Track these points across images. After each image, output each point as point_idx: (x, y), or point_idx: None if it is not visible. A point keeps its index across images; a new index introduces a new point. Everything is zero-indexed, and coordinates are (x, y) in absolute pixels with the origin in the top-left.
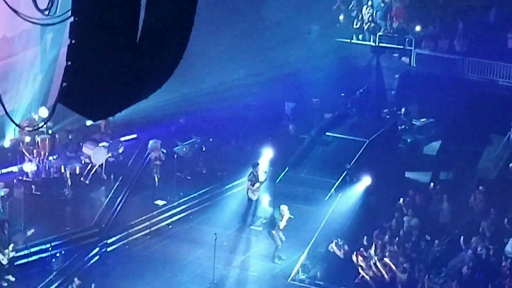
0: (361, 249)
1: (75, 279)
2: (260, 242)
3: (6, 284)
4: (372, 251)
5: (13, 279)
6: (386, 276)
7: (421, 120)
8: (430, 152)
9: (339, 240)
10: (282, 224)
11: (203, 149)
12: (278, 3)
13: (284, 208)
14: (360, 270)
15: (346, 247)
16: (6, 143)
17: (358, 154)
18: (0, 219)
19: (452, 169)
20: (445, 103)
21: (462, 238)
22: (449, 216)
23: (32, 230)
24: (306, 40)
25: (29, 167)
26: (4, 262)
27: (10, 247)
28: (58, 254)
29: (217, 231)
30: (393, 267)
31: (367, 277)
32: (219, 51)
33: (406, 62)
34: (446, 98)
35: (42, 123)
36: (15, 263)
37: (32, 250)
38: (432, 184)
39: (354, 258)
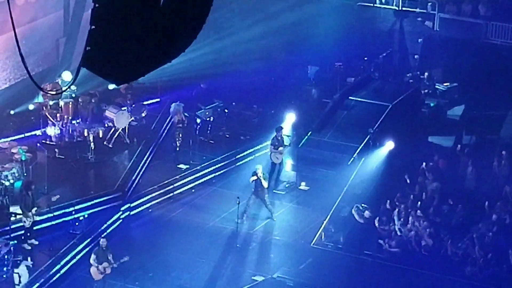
0: (384, 217)
1: (103, 239)
2: (283, 206)
3: (29, 248)
4: (395, 216)
5: (36, 242)
6: (412, 240)
7: (444, 84)
8: (454, 117)
9: (361, 205)
10: (265, 183)
11: (226, 113)
12: None
13: (258, 167)
14: (383, 237)
15: (367, 213)
16: (30, 107)
17: (381, 118)
18: (27, 181)
19: (475, 133)
20: (468, 68)
21: (486, 203)
22: (473, 180)
23: (57, 196)
24: (329, 3)
25: (52, 130)
26: (27, 224)
27: (34, 210)
28: (81, 218)
29: (240, 195)
30: (418, 231)
31: (391, 243)
32: (241, 13)
33: (429, 26)
34: (469, 63)
35: (66, 87)
36: (39, 226)
37: (56, 213)
38: (455, 148)
39: (376, 223)
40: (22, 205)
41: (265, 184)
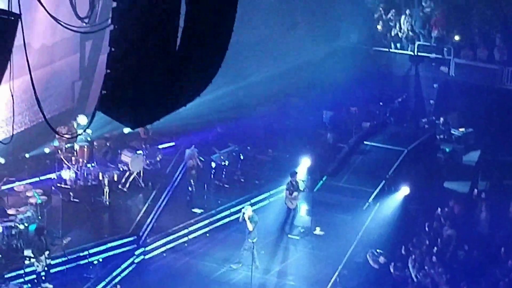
0: (399, 262)
1: (118, 286)
2: (298, 251)
3: None
4: (411, 262)
5: (50, 286)
6: (428, 286)
7: (460, 129)
8: (469, 162)
9: (376, 251)
10: (250, 226)
11: (241, 158)
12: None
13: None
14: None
15: (382, 258)
16: (45, 150)
17: (397, 163)
18: (38, 225)
19: (491, 179)
20: (484, 113)
21: (502, 249)
22: (488, 226)
23: (69, 238)
24: (345, 47)
25: (67, 174)
26: (40, 269)
27: (46, 253)
28: (95, 262)
29: (255, 239)
30: (434, 278)
31: None
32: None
33: (445, 71)
34: (485, 108)
35: (81, 131)
36: (53, 270)
37: (70, 257)
38: (471, 193)
39: (392, 269)
40: (34, 250)
41: (249, 227)
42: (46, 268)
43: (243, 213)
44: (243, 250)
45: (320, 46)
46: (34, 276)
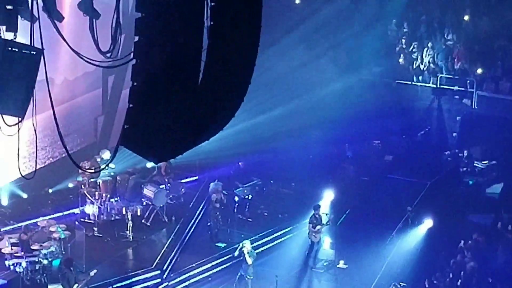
0: None
1: None
2: (321, 285)
3: None
4: None
5: None
6: None
7: (483, 162)
8: (493, 194)
9: (399, 283)
10: (249, 260)
11: (264, 191)
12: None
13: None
14: None
15: None
16: (69, 185)
17: (420, 196)
18: (67, 258)
19: None
20: (507, 145)
21: None
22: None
23: (95, 271)
24: (367, 81)
25: (91, 209)
26: None
27: (75, 286)
28: None
29: (279, 273)
30: None
31: None
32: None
33: (467, 104)
34: (508, 140)
35: (104, 165)
36: None
37: None
38: (494, 226)
39: None
40: (64, 283)
41: (249, 261)
42: None
43: (242, 247)
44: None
45: (342, 79)
46: None
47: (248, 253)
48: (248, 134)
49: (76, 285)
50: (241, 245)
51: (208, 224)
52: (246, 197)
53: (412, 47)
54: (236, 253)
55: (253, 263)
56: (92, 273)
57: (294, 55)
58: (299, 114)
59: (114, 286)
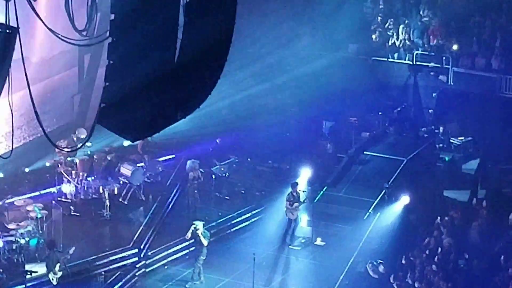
0: (400, 272)
1: None
2: (299, 262)
3: None
4: (411, 272)
5: None
6: None
7: (459, 138)
8: (469, 171)
9: (375, 261)
10: (205, 241)
11: (241, 169)
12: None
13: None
14: None
15: (382, 267)
16: (46, 164)
17: (396, 173)
18: (49, 239)
19: (490, 187)
20: (483, 122)
21: (502, 257)
22: (488, 234)
23: (73, 248)
24: (344, 59)
25: (68, 188)
26: (54, 282)
27: (57, 266)
28: (97, 275)
29: (256, 251)
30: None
31: None
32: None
33: (443, 80)
34: (484, 116)
35: (81, 144)
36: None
37: (71, 271)
38: (470, 202)
39: (391, 279)
40: (49, 263)
41: (204, 242)
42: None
43: (195, 229)
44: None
45: (319, 57)
46: None
47: (202, 234)
48: (225, 112)
49: (58, 264)
50: (192, 227)
51: (187, 202)
52: (224, 175)
53: (388, 24)
54: (188, 235)
55: (208, 244)
56: (71, 251)
57: (272, 35)
58: (276, 92)
59: (91, 265)
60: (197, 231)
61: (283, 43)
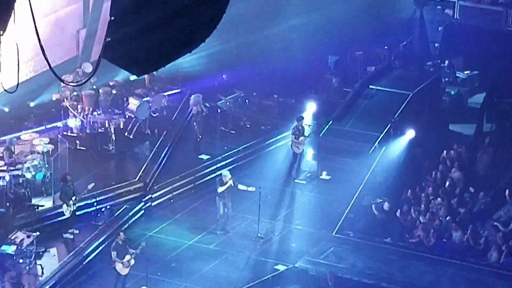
0: (405, 205)
1: (120, 234)
2: (304, 196)
3: (71, 237)
4: (416, 206)
5: (76, 231)
6: (434, 228)
7: (465, 72)
8: (474, 104)
9: (378, 199)
10: (220, 189)
11: (247, 103)
12: None
13: (226, 174)
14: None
15: (387, 204)
16: (52, 98)
17: (402, 107)
18: (62, 174)
19: (496, 121)
20: (489, 56)
21: (507, 190)
22: (494, 168)
23: (93, 184)
24: None
25: (74, 122)
26: (68, 214)
27: (73, 199)
28: (103, 209)
29: (262, 185)
30: (440, 220)
31: (413, 231)
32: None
33: (449, 14)
34: (489, 50)
35: (86, 78)
36: (61, 218)
37: (78, 204)
38: (476, 136)
39: (398, 213)
40: (63, 196)
41: (242, 187)
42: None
43: (224, 179)
44: (220, 212)
45: None
46: (43, 223)
47: (233, 181)
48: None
49: (74, 197)
50: (230, 180)
51: (195, 135)
52: (229, 109)
53: None
54: (224, 189)
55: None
56: (90, 186)
57: None
58: (281, 26)
59: (98, 199)
60: (230, 180)
61: None
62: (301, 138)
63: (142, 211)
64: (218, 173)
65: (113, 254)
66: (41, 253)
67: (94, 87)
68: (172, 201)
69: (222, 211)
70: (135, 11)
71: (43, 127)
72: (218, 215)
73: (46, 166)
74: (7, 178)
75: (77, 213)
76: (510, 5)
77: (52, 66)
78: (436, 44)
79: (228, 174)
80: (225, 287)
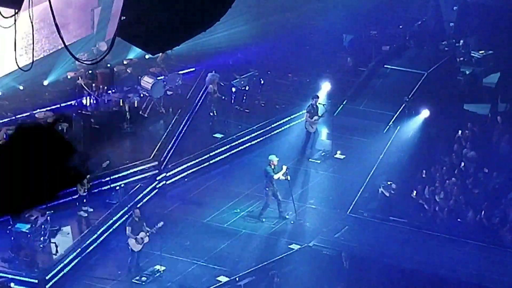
0: (420, 185)
1: (136, 210)
2: (318, 175)
3: (86, 215)
4: (430, 185)
5: (91, 209)
6: (448, 207)
7: (480, 52)
8: (489, 84)
9: (388, 183)
10: (276, 176)
11: (262, 82)
12: None
13: (272, 158)
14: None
15: (394, 185)
16: (67, 76)
17: (417, 86)
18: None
19: (511, 100)
20: (504, 35)
21: None
22: (508, 148)
23: (107, 162)
24: None
25: (88, 100)
26: (82, 193)
27: (87, 177)
28: (117, 188)
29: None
30: (454, 199)
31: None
32: None
33: None
34: (505, 30)
35: (101, 57)
36: (75, 196)
37: (92, 183)
38: (490, 116)
39: (414, 193)
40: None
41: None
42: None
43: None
44: (268, 202)
45: None
46: (58, 201)
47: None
48: (245, 26)
49: (88, 176)
50: (285, 168)
51: (210, 113)
52: (243, 88)
53: None
54: (281, 176)
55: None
56: (104, 164)
57: None
58: (297, 5)
59: (112, 178)
60: (283, 167)
61: None
62: (315, 117)
63: (156, 190)
64: (233, 151)
65: (128, 229)
66: (55, 231)
67: (109, 65)
68: (186, 179)
69: (271, 199)
70: None
71: (58, 105)
72: (265, 204)
73: None
74: None
75: (91, 191)
76: None
77: (66, 44)
78: (451, 24)
79: (275, 158)
80: (239, 266)
